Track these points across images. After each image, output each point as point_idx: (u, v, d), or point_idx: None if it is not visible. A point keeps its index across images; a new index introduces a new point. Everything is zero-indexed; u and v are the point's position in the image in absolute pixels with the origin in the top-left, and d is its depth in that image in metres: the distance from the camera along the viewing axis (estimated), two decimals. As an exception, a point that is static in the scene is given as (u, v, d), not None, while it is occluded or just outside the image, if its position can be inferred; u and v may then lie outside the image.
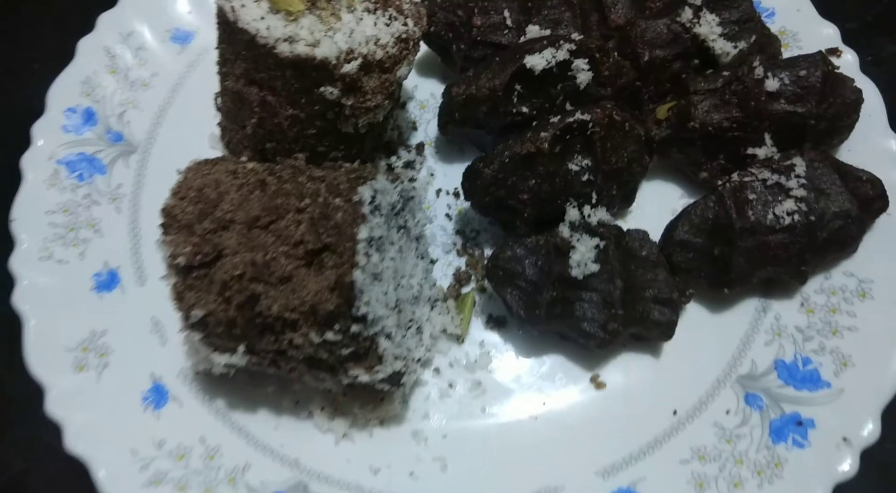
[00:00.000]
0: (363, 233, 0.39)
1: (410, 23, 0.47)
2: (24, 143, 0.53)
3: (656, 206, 0.53)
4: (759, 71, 0.48)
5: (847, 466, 0.42)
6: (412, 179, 0.51)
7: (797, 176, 0.46)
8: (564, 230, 0.47)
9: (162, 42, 0.58)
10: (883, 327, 0.46)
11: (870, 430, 0.43)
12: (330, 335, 0.39)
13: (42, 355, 0.45)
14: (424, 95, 0.58)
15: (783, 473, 0.43)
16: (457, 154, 0.56)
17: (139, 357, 0.46)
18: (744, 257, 0.45)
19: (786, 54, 0.55)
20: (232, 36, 0.44)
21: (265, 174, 0.42)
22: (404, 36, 0.46)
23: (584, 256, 0.45)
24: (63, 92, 0.54)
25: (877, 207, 0.47)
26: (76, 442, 0.42)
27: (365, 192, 0.40)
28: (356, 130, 0.47)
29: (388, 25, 0.46)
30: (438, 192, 0.54)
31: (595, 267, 0.45)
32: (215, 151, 0.54)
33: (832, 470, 0.42)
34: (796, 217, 0.45)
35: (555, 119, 0.47)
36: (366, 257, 0.38)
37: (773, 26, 0.57)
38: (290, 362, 0.41)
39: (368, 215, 0.39)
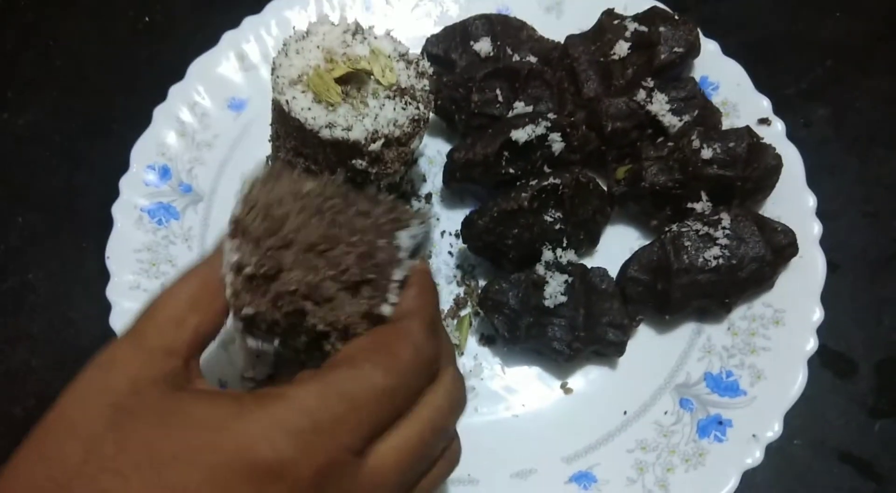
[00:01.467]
0: (397, 275, 0.45)
1: (422, 107, 0.60)
2: (109, 190, 0.66)
3: (617, 247, 0.65)
4: (696, 143, 0.61)
5: (755, 457, 0.54)
6: (435, 218, 0.64)
7: (723, 227, 0.58)
8: (540, 268, 0.59)
9: (221, 109, 0.70)
10: (790, 348, 0.58)
11: (774, 430, 0.55)
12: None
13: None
14: (432, 151, 0.71)
15: (705, 461, 0.55)
16: (458, 202, 0.68)
17: (210, 368, 0.59)
18: (680, 291, 0.58)
19: (726, 123, 0.67)
20: (285, 120, 0.57)
21: (321, 201, 0.46)
22: (417, 117, 0.59)
23: (555, 289, 0.58)
24: (143, 152, 0.67)
25: (788, 252, 0.59)
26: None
27: (404, 239, 0.47)
28: (378, 189, 0.60)
29: (404, 109, 0.59)
30: (443, 233, 0.67)
31: (563, 298, 0.58)
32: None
33: (743, 461, 0.54)
34: (721, 260, 0.57)
35: (533, 182, 0.60)
36: (395, 294, 0.45)
37: (717, 98, 0.69)
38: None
39: (404, 260, 0.46)
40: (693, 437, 0.56)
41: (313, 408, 0.34)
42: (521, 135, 0.61)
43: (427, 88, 0.60)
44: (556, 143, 0.62)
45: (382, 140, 0.56)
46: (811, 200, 0.63)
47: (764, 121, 0.67)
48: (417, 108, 0.60)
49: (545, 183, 0.59)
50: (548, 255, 0.60)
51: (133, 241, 0.64)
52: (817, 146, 0.72)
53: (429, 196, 0.69)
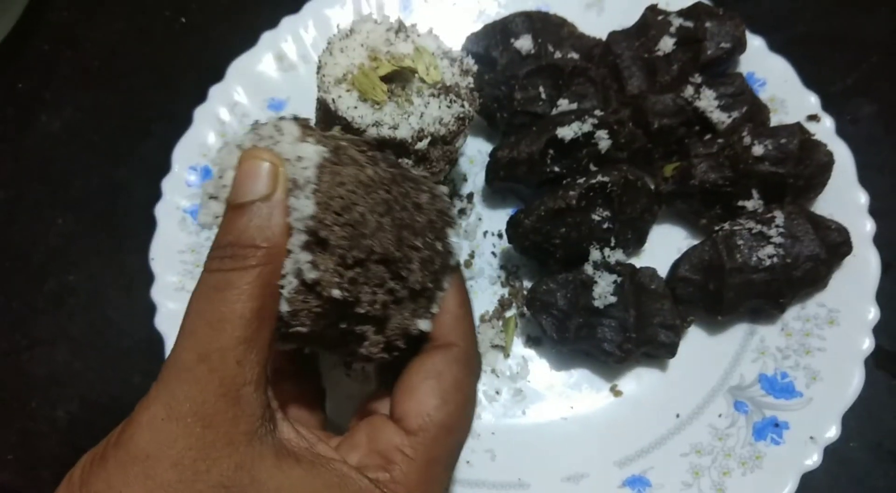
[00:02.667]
0: (447, 284, 0.42)
1: (466, 105, 0.59)
2: (149, 191, 0.66)
3: (665, 247, 0.64)
4: (747, 140, 0.59)
5: (813, 460, 0.53)
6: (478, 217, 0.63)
7: (776, 226, 0.57)
8: (588, 268, 0.58)
9: (261, 110, 0.70)
10: (846, 348, 0.57)
11: (832, 431, 0.54)
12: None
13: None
14: (473, 151, 0.70)
15: (762, 464, 0.54)
16: (500, 202, 0.68)
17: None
18: (733, 291, 0.56)
19: (774, 120, 0.66)
20: (331, 120, 0.57)
21: (385, 193, 0.39)
22: (461, 115, 0.58)
23: (604, 289, 0.57)
24: (185, 153, 0.66)
25: (842, 251, 0.58)
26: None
27: (453, 239, 0.42)
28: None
29: (449, 107, 0.58)
30: (486, 233, 0.66)
31: (613, 299, 0.57)
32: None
33: (801, 463, 0.53)
34: (775, 260, 0.56)
35: (581, 180, 0.59)
36: (437, 305, 0.41)
37: (765, 95, 0.68)
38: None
39: (455, 267, 0.42)
40: (749, 440, 0.55)
41: None
42: (566, 132, 0.60)
43: (471, 85, 0.60)
44: (603, 140, 0.61)
45: (429, 139, 0.56)
46: (863, 198, 0.62)
47: (813, 117, 0.66)
48: (462, 105, 0.59)
49: (593, 181, 0.58)
50: (595, 254, 0.59)
51: (177, 242, 0.63)
52: (865, 143, 0.70)
53: (470, 196, 0.68)
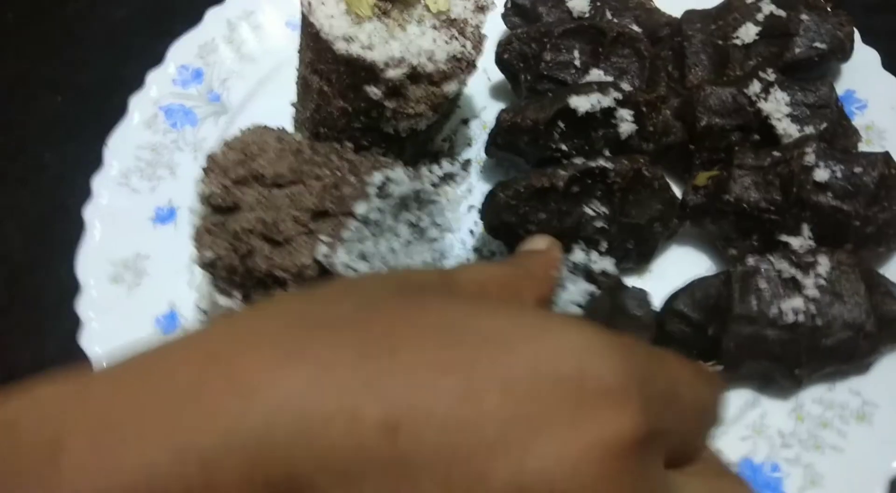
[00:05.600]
0: (360, 209, 0.42)
1: (469, 46, 0.50)
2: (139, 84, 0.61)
3: (681, 272, 0.51)
4: (810, 158, 0.46)
5: None
6: (435, 185, 0.54)
7: (817, 275, 0.43)
8: (563, 269, 0.47)
9: (278, 26, 0.64)
10: (870, 456, 0.42)
11: (816, 559, 0.40)
12: None
13: (89, 261, 0.52)
14: (490, 116, 0.60)
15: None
16: (501, 177, 0.58)
17: (167, 287, 0.52)
18: (734, 342, 0.43)
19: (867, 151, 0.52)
20: (305, 27, 0.49)
21: (305, 146, 0.46)
22: (459, 56, 0.49)
23: (573, 297, 0.45)
24: (182, 50, 0.62)
25: (899, 328, 0.43)
26: (88, 341, 0.49)
27: (377, 176, 0.44)
28: (396, 133, 0.51)
29: (447, 43, 0.49)
30: (470, 208, 0.56)
31: (577, 310, 0.45)
32: (291, 128, 0.60)
33: None
34: (801, 317, 0.42)
35: (579, 161, 0.48)
36: (356, 232, 0.42)
37: (861, 119, 0.53)
38: None
39: (372, 196, 0.43)
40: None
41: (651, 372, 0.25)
42: (581, 103, 0.49)
43: (482, 24, 0.50)
44: (626, 122, 0.49)
45: (406, 70, 0.47)
46: (958, 271, 0.46)
47: (918, 157, 0.51)
48: (464, 46, 0.49)
49: (593, 165, 0.47)
50: (578, 255, 0.48)
51: (140, 137, 0.58)
52: None
53: (468, 163, 0.58)
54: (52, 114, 0.67)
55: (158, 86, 0.60)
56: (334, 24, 0.47)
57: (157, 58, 0.62)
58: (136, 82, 0.61)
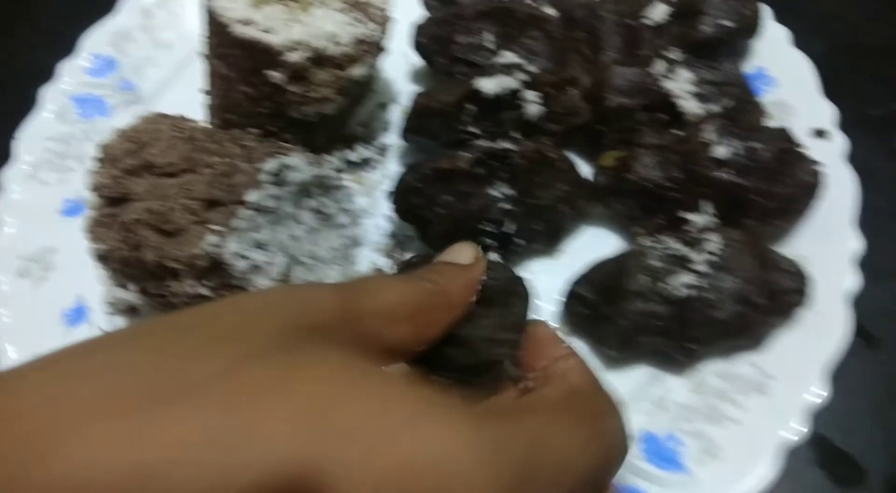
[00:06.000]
0: (252, 197, 0.42)
1: (375, 28, 0.49)
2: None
3: (592, 252, 0.51)
4: (710, 135, 0.46)
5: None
6: (339, 171, 0.54)
7: (709, 252, 0.44)
8: None
9: (195, 12, 0.63)
10: (767, 428, 0.43)
11: (706, 528, 0.41)
12: (203, 290, 0.42)
13: (5, 254, 0.51)
14: (410, 100, 0.60)
15: (601, 543, 0.41)
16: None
17: (74, 280, 0.51)
18: (628, 320, 0.44)
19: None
20: (206, 11, 0.49)
21: (199, 132, 0.45)
22: (365, 38, 0.49)
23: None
24: (95, 39, 0.61)
25: (790, 301, 0.44)
26: (-1, 336, 0.48)
27: (271, 163, 0.43)
28: (305, 118, 0.50)
29: (351, 26, 0.48)
30: (389, 194, 0.56)
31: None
32: (205, 115, 0.59)
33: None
34: (692, 292, 0.43)
35: (482, 143, 0.48)
36: (247, 221, 0.42)
37: (770, 96, 0.54)
38: (177, 308, 0.45)
39: (265, 184, 0.42)
40: (599, 508, 0.42)
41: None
42: (488, 86, 0.49)
43: (387, 8, 0.50)
44: (532, 104, 0.49)
45: (307, 53, 0.46)
46: (853, 244, 0.47)
47: (820, 133, 0.51)
48: (369, 28, 0.49)
49: (496, 146, 0.47)
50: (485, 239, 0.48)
51: (49, 128, 0.57)
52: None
53: (384, 148, 0.58)
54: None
55: (70, 76, 0.59)
56: (233, 6, 0.46)
57: (68, 47, 0.60)
58: (47, 73, 0.59)
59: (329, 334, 0.26)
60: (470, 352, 0.33)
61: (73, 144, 0.57)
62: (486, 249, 0.49)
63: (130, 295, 0.45)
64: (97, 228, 0.43)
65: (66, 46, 0.60)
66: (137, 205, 0.41)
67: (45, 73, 0.59)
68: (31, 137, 0.57)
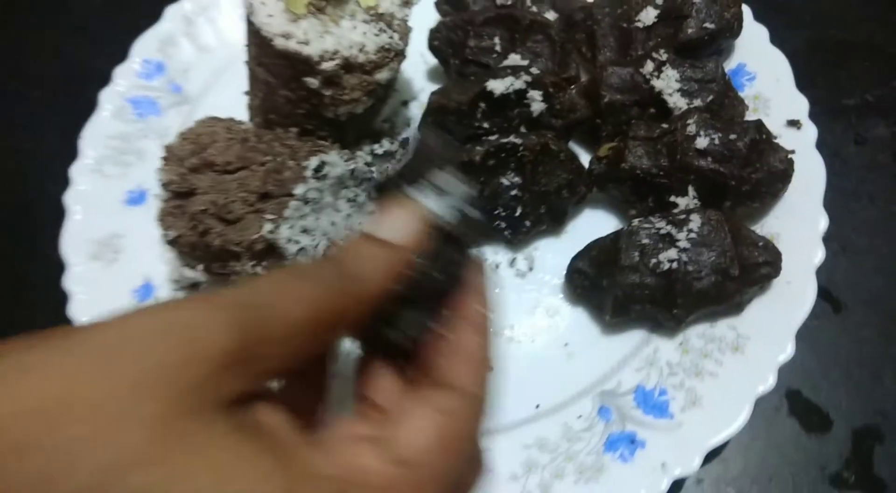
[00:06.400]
0: (299, 190, 0.49)
1: (396, 37, 0.56)
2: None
3: (592, 232, 0.58)
4: (692, 128, 0.53)
5: (657, 489, 0.47)
6: (369, 164, 0.61)
7: (689, 230, 0.50)
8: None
9: (232, 19, 0.70)
10: (741, 381, 0.50)
11: (691, 465, 0.48)
12: (259, 269, 0.49)
13: (72, 240, 0.59)
14: (427, 98, 0.66)
15: (599, 478, 0.48)
16: (436, 153, 0.64)
17: (140, 261, 0.59)
18: (622, 290, 0.51)
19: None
20: (248, 25, 0.55)
21: (251, 134, 0.53)
22: (388, 47, 0.55)
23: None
24: (144, 46, 0.68)
25: (762, 273, 0.50)
26: (76, 311, 0.56)
27: (313, 161, 0.51)
28: (337, 117, 0.57)
29: (376, 36, 0.55)
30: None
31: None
32: (246, 114, 0.66)
33: (639, 489, 0.48)
34: (675, 265, 0.50)
35: (493, 138, 0.54)
36: (296, 210, 0.49)
37: (750, 90, 0.60)
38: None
39: (309, 178, 0.50)
40: (597, 448, 0.50)
41: None
42: (497, 86, 0.55)
43: (407, 17, 0.56)
44: (536, 102, 0.56)
45: (339, 61, 0.53)
46: (822, 222, 0.54)
47: (794, 123, 0.58)
48: (392, 37, 0.56)
49: (504, 141, 0.54)
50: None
51: (109, 128, 0.65)
52: (865, 168, 0.61)
53: (405, 141, 0.65)
54: (25, 105, 0.73)
55: (124, 79, 0.66)
56: (273, 22, 0.53)
57: (119, 52, 0.67)
58: (100, 75, 0.67)
59: (211, 395, 0.23)
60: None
61: (131, 141, 0.64)
62: (495, 232, 0.56)
63: (196, 274, 0.52)
64: (167, 218, 0.50)
65: (119, 52, 0.68)
66: (202, 197, 0.49)
67: (102, 78, 0.67)
68: (94, 135, 0.64)
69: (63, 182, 0.62)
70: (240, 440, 0.23)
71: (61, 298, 0.57)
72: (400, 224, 0.30)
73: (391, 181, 0.32)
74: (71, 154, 0.63)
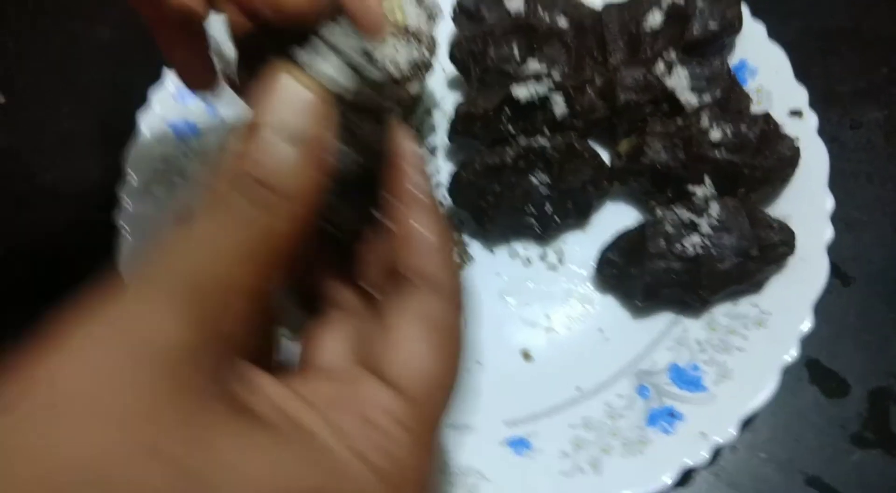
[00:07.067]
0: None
1: (425, 51, 0.60)
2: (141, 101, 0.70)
3: (615, 223, 0.62)
4: (705, 122, 0.57)
5: (698, 456, 0.51)
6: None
7: (710, 216, 0.55)
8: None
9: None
10: (767, 353, 0.54)
11: (727, 433, 0.52)
12: None
13: (129, 261, 0.62)
14: (449, 105, 0.71)
15: (645, 450, 0.53)
16: (463, 158, 0.68)
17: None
18: (651, 276, 0.55)
19: (757, 111, 0.63)
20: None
21: None
22: (418, 62, 0.59)
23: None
24: (178, 71, 0.71)
25: (780, 252, 0.55)
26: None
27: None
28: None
29: (407, 51, 0.59)
30: (438, 185, 0.67)
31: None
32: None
33: (684, 456, 0.52)
34: (700, 250, 0.54)
35: (522, 140, 0.59)
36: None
37: (753, 83, 0.65)
38: None
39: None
40: (640, 424, 0.54)
41: None
42: (522, 92, 0.59)
43: (434, 33, 0.60)
44: (559, 105, 0.60)
45: (375, 77, 0.57)
46: (828, 203, 0.58)
47: (796, 113, 0.62)
48: (421, 51, 0.60)
49: (533, 143, 0.58)
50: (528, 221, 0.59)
51: (152, 150, 0.68)
52: (861, 150, 0.66)
53: (434, 149, 0.69)
54: (64, 125, 0.76)
55: (161, 103, 0.70)
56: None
57: (151, 72, 0.71)
58: (136, 96, 0.70)
59: (194, 386, 0.22)
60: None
61: (174, 163, 0.68)
62: (528, 229, 0.61)
63: None
64: None
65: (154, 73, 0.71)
66: None
67: (136, 97, 0.70)
68: (138, 157, 0.67)
69: (103, 203, 0.65)
70: (245, 425, 0.23)
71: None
72: (296, 103, 0.24)
73: (261, 40, 0.25)
74: (113, 174, 0.66)
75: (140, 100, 0.70)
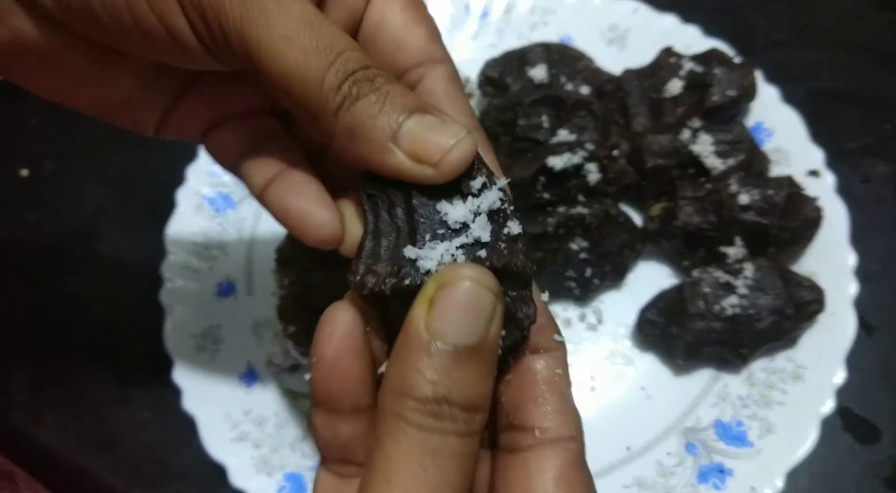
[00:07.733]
0: None
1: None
2: (176, 175, 0.72)
3: (648, 284, 0.65)
4: (734, 187, 0.60)
5: (751, 510, 0.54)
6: None
7: (745, 277, 0.58)
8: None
9: (286, 111, 0.75)
10: (806, 406, 0.57)
11: (775, 486, 0.54)
12: None
13: (175, 337, 0.63)
14: (478, 170, 0.73)
15: (699, 506, 0.55)
16: (495, 221, 0.71)
17: (241, 348, 0.63)
18: (692, 336, 0.57)
19: (776, 171, 0.66)
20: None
21: None
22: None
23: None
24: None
25: (812, 309, 0.58)
26: (190, 403, 0.60)
27: None
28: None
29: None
30: (475, 250, 0.69)
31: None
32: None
33: (738, 511, 0.54)
34: (738, 310, 0.57)
35: (562, 209, 0.61)
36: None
37: (770, 145, 0.68)
38: None
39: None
40: (692, 481, 0.56)
41: None
42: (557, 162, 0.62)
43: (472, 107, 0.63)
44: (593, 173, 0.63)
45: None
46: (851, 259, 0.62)
47: (814, 173, 0.66)
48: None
49: (573, 211, 0.60)
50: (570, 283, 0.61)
51: (191, 224, 0.69)
52: (873, 204, 0.70)
53: (467, 213, 0.71)
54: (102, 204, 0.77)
55: (197, 178, 0.71)
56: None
57: (185, 149, 0.72)
58: (169, 171, 0.71)
59: None
60: None
61: (213, 236, 0.69)
62: (567, 291, 0.63)
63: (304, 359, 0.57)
64: (287, 314, 0.55)
65: (190, 150, 0.72)
66: (319, 293, 0.54)
67: (167, 173, 0.71)
68: (177, 232, 0.68)
69: (146, 279, 0.66)
70: None
71: (162, 393, 0.61)
72: (474, 311, 0.25)
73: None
74: (150, 248, 0.67)
75: (172, 179, 0.71)
